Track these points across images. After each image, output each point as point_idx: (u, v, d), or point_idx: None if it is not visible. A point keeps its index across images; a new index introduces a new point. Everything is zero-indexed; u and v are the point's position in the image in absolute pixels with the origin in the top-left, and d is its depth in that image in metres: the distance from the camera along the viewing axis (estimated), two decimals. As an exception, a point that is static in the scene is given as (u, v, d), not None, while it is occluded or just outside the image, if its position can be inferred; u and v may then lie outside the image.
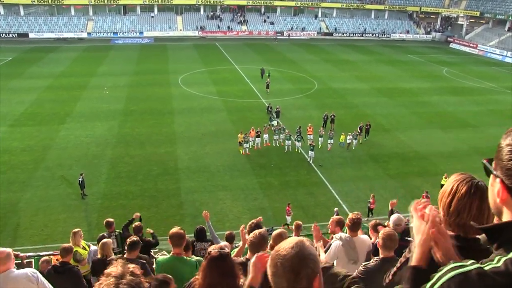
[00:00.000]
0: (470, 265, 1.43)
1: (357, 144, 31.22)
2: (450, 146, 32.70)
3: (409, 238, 8.00)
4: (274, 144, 31.00)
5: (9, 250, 5.49)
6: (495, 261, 1.40)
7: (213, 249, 3.62)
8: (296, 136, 30.65)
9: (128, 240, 7.92)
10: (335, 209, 21.39)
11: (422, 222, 1.94)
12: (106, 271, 1.93)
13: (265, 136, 30.86)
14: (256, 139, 30.45)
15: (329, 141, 30.70)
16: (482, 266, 1.42)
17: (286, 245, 2.02)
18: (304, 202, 24.06)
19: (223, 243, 8.44)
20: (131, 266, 1.97)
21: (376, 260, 5.54)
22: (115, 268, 1.92)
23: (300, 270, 1.96)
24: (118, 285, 1.83)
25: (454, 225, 2.10)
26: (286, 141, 30.50)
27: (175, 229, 6.53)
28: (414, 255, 1.93)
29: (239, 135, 29.62)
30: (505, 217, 1.53)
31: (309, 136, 30.46)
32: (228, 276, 3.45)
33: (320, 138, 30.82)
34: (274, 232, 6.47)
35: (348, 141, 30.71)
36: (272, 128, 32.16)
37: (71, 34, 78.23)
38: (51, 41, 73.90)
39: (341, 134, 31.04)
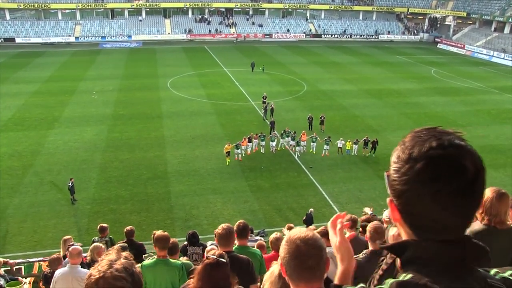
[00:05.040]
0: None
1: (356, 151, 30.65)
2: (439, 146, 32.93)
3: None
4: (261, 150, 30.60)
5: (80, 248, 7.76)
6: (385, 285, 1.35)
7: (212, 254, 3.58)
8: (281, 134, 31.09)
9: (116, 245, 7.98)
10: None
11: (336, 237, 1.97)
12: (101, 257, 2.01)
13: (255, 141, 30.66)
14: (249, 144, 30.05)
15: (325, 147, 30.37)
16: None
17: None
18: (295, 204, 24.11)
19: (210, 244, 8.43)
20: (125, 253, 2.04)
21: (365, 253, 5.69)
22: (109, 255, 1.99)
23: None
24: (112, 265, 1.89)
25: None
26: (271, 142, 30.50)
27: (159, 232, 6.56)
28: (337, 273, 1.94)
29: (226, 145, 28.59)
30: (403, 237, 1.46)
31: (303, 143, 30.38)
32: (222, 285, 3.45)
33: (312, 144, 30.65)
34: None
35: (340, 145, 30.53)
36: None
37: (58, 38, 77.71)
38: (38, 46, 73.30)
39: (348, 141, 30.61)
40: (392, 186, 1.39)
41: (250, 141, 30.16)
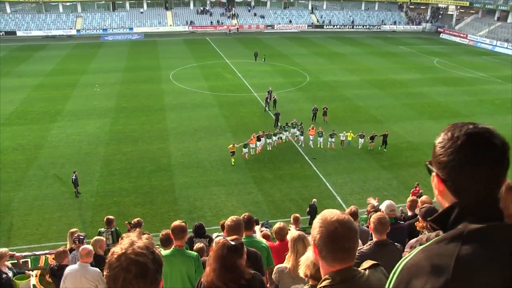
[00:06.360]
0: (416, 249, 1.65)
1: (362, 144, 30.37)
2: (442, 136, 32.82)
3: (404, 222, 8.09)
4: (268, 148, 29.97)
5: (90, 248, 7.91)
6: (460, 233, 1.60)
7: (222, 238, 3.66)
8: (284, 125, 31.01)
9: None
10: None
11: None
12: (121, 238, 2.08)
13: (262, 139, 29.63)
14: (257, 142, 29.05)
15: (330, 139, 30.16)
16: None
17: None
18: (299, 195, 24.11)
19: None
20: (145, 235, 2.11)
21: (370, 244, 5.70)
22: (130, 236, 2.06)
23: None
24: (133, 243, 1.96)
25: None
26: (273, 137, 30.15)
27: (177, 222, 6.65)
28: None
29: (230, 146, 27.58)
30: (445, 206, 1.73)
31: (311, 137, 30.21)
32: (234, 268, 3.52)
33: (319, 138, 30.29)
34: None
35: (343, 138, 30.44)
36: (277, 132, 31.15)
37: (60, 31, 77.54)
38: (39, 39, 73.15)
39: (349, 132, 30.40)
40: (438, 160, 1.70)
41: (259, 139, 28.97)
